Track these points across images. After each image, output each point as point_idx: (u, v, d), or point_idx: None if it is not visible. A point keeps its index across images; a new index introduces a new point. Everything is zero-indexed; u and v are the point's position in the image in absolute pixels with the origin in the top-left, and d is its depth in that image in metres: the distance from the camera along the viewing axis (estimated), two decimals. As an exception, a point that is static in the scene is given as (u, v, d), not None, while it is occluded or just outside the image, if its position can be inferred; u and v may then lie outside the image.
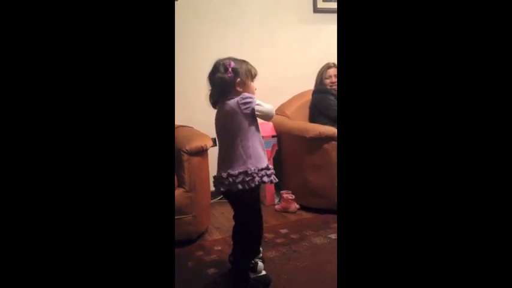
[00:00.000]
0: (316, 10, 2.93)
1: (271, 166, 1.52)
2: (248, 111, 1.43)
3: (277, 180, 1.54)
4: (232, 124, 1.46)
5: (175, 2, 2.49)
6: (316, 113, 2.59)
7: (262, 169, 1.47)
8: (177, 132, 2.17)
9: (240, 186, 1.45)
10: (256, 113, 1.45)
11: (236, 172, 1.45)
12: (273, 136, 2.58)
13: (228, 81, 1.44)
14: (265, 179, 1.47)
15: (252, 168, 1.45)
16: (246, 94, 1.46)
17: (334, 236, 2.01)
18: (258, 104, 1.45)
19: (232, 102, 1.45)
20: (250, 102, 1.44)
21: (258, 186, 1.49)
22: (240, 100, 1.44)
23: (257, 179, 1.45)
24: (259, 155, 1.48)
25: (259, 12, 2.78)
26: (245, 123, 1.45)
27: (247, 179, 1.44)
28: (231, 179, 1.46)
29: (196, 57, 2.57)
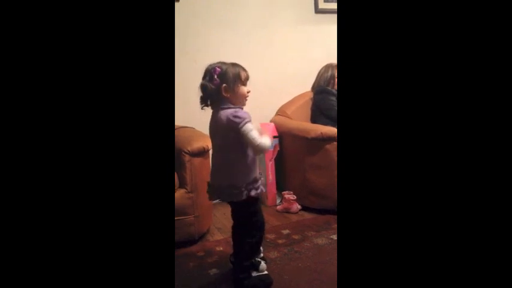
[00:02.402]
0: (317, 11, 2.93)
1: (259, 176, 1.51)
2: (235, 128, 1.39)
3: (263, 190, 1.50)
4: (222, 135, 1.45)
5: (176, 2, 2.49)
6: (318, 113, 2.59)
7: (249, 183, 1.46)
8: (178, 133, 2.17)
9: (228, 199, 1.49)
10: (245, 136, 1.39)
11: (225, 184, 1.47)
12: (274, 137, 2.58)
13: (212, 88, 1.43)
14: (252, 192, 1.46)
15: (240, 183, 1.45)
16: (240, 112, 1.42)
17: (335, 237, 2.00)
18: (247, 127, 1.39)
19: (224, 113, 1.43)
20: (239, 122, 1.39)
21: (252, 198, 1.47)
22: (231, 114, 1.42)
23: (245, 192, 1.45)
24: (247, 169, 1.47)
25: (260, 12, 2.78)
26: (234, 137, 1.42)
27: (234, 191, 1.45)
28: (220, 190, 1.49)
29: (198, 58, 2.57)
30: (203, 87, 1.45)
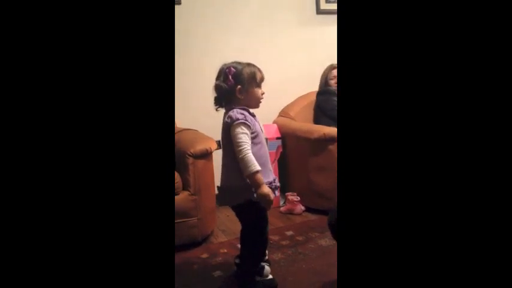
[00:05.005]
0: (319, 11, 2.93)
1: (267, 181, 1.41)
2: (228, 128, 1.37)
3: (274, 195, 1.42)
4: (229, 135, 1.41)
5: (178, 5, 2.50)
6: (320, 114, 2.59)
7: (249, 186, 1.38)
8: (181, 135, 2.18)
9: (228, 202, 1.45)
10: (232, 138, 1.35)
11: (226, 185, 1.44)
12: (277, 138, 2.57)
13: (226, 90, 1.40)
14: (251, 196, 1.38)
15: (240, 184, 1.39)
16: (235, 112, 1.38)
17: (339, 238, 2.00)
18: (235, 129, 1.35)
19: (230, 112, 1.41)
20: (229, 122, 1.37)
21: (252, 202, 1.40)
22: (228, 112, 1.40)
23: (243, 195, 1.40)
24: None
25: (262, 14, 2.78)
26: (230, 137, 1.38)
27: (233, 193, 1.41)
28: (228, 192, 1.45)
29: (200, 60, 2.58)
30: (217, 87, 1.42)
